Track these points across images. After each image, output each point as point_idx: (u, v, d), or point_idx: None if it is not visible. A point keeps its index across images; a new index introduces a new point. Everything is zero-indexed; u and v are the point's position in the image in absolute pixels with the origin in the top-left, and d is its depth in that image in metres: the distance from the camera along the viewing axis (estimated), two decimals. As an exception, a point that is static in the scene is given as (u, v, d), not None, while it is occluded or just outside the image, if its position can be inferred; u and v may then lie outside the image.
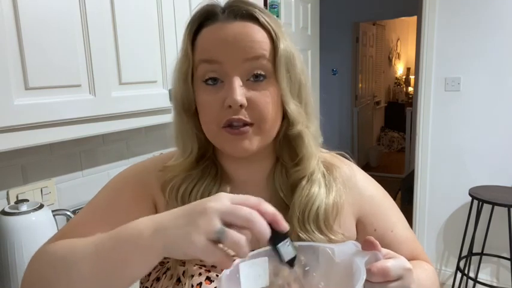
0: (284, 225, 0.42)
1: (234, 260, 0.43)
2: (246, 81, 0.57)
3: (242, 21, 0.57)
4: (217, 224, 0.40)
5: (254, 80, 0.57)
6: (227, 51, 0.56)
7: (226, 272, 0.44)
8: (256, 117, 0.57)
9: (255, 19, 0.58)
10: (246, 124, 0.57)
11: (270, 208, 0.42)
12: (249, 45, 0.56)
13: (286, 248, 0.43)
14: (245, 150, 0.58)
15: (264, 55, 0.57)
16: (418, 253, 0.71)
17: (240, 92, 0.55)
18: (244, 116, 0.56)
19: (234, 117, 0.56)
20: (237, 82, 0.56)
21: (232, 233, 0.40)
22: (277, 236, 0.42)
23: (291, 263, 0.44)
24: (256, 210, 0.41)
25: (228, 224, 0.40)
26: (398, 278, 0.46)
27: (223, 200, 0.42)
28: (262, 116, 0.57)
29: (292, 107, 0.60)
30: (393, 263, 0.46)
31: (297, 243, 0.49)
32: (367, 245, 0.47)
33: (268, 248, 0.48)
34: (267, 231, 0.41)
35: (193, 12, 0.61)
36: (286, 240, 0.43)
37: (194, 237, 0.40)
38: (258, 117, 0.57)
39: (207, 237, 0.40)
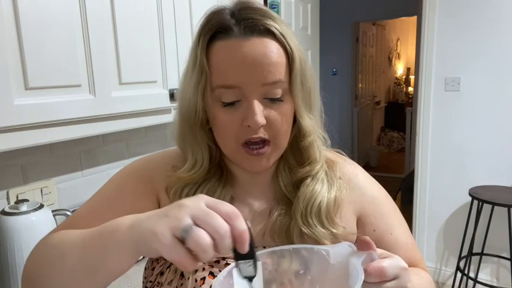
0: (245, 248, 0.40)
1: (199, 265, 0.42)
2: (262, 99, 0.58)
3: (259, 37, 0.56)
4: (186, 221, 0.39)
5: (271, 99, 0.58)
6: (246, 76, 0.56)
7: (219, 277, 0.44)
8: (272, 135, 0.59)
9: (271, 34, 0.57)
10: (263, 140, 0.58)
11: (241, 225, 0.40)
12: (268, 69, 0.56)
13: (247, 268, 0.42)
14: (263, 168, 0.61)
15: (281, 80, 0.57)
16: (416, 260, 0.70)
17: (260, 114, 0.56)
18: (262, 134, 0.58)
19: (254, 136, 0.57)
20: (257, 104, 0.56)
21: (199, 233, 0.38)
22: (241, 253, 0.41)
23: (249, 279, 0.43)
24: (227, 221, 0.40)
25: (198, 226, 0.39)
26: (395, 278, 0.46)
27: (199, 202, 0.41)
28: (278, 132, 0.59)
29: (307, 121, 0.62)
30: (389, 262, 0.46)
31: (291, 246, 0.49)
32: (362, 245, 0.47)
33: (261, 252, 0.48)
34: (227, 249, 0.39)
35: (204, 19, 0.59)
36: (248, 261, 0.42)
37: (159, 229, 0.39)
38: (274, 135, 0.59)
39: (172, 231, 0.38)
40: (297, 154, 0.65)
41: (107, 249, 0.45)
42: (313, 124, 0.63)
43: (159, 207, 0.65)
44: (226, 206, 0.41)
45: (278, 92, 0.58)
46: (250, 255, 0.41)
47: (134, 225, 0.43)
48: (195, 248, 0.38)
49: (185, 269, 0.41)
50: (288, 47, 0.58)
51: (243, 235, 0.40)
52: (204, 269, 0.59)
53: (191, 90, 0.59)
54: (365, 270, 0.45)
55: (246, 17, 0.57)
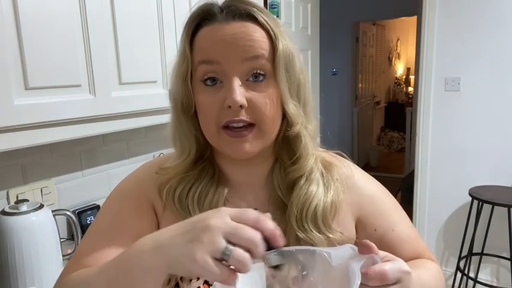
0: (280, 242, 0.42)
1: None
2: (245, 81, 0.57)
3: (241, 21, 0.57)
4: (223, 243, 0.40)
5: (253, 80, 0.57)
6: (226, 51, 0.56)
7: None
8: (256, 118, 0.57)
9: (253, 19, 0.57)
10: (246, 125, 0.57)
11: (269, 225, 0.42)
12: (248, 44, 0.55)
13: (274, 257, 0.44)
14: (245, 152, 0.58)
15: (263, 55, 0.56)
16: (421, 251, 0.70)
17: (239, 92, 0.55)
18: (245, 116, 0.56)
19: (234, 118, 0.56)
20: (237, 82, 0.55)
21: (238, 252, 0.40)
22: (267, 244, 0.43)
23: (276, 267, 0.45)
24: (256, 226, 0.41)
25: (231, 243, 0.41)
26: (397, 282, 0.46)
27: (225, 218, 0.42)
28: (262, 116, 0.57)
29: (291, 108, 0.59)
30: (391, 266, 0.45)
31: (294, 248, 0.49)
32: (363, 249, 0.46)
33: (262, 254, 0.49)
34: (263, 252, 0.42)
35: (191, 12, 0.60)
36: (276, 251, 0.43)
37: (198, 256, 0.40)
38: (258, 118, 0.57)
39: (211, 255, 0.40)
40: (288, 149, 0.64)
41: (135, 277, 0.44)
42: (300, 112, 0.61)
43: (155, 213, 0.64)
44: (251, 214, 0.42)
45: (260, 67, 0.56)
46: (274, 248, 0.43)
47: (159, 247, 0.43)
48: (237, 266, 0.40)
49: (228, 284, 0.42)
50: (271, 31, 0.57)
51: (275, 234, 0.42)
52: (198, 278, 0.58)
53: (178, 80, 0.60)
54: (366, 274, 0.44)
55: (230, 5, 0.58)
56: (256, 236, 0.41)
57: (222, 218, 0.41)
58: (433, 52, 2.47)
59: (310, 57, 2.67)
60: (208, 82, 0.57)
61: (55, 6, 0.98)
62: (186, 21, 0.60)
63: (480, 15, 2.31)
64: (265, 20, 0.58)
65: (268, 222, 0.42)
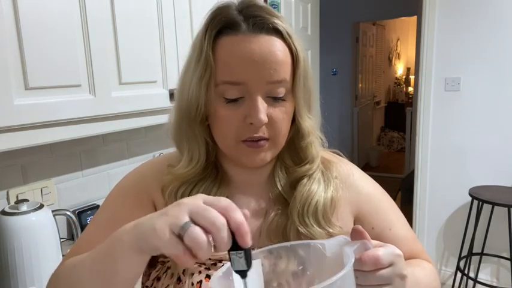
0: (246, 241, 0.40)
1: (196, 263, 0.42)
2: (265, 97, 0.58)
3: (267, 34, 0.56)
4: (184, 219, 0.39)
5: (273, 98, 0.58)
6: (252, 72, 0.56)
7: (218, 273, 0.44)
8: (272, 133, 0.59)
9: (279, 33, 0.57)
10: (263, 139, 0.58)
11: (238, 217, 0.40)
12: (274, 67, 0.56)
13: (238, 259, 0.41)
14: (260, 161, 0.60)
15: (286, 79, 0.58)
16: (418, 252, 0.71)
17: (263, 112, 0.56)
18: (263, 132, 0.58)
19: (255, 135, 0.57)
20: (260, 101, 0.56)
21: (194, 230, 0.38)
22: (236, 244, 0.40)
23: (241, 274, 0.41)
24: (224, 214, 0.40)
25: (196, 224, 0.39)
26: (390, 265, 0.46)
27: (197, 199, 0.42)
28: (278, 131, 0.59)
29: (307, 122, 0.62)
30: (383, 250, 0.46)
31: (289, 243, 0.49)
32: (355, 234, 0.47)
33: (259, 250, 0.48)
34: (225, 243, 0.39)
35: (211, 14, 0.59)
36: (240, 252, 0.40)
37: (157, 226, 0.40)
38: (274, 133, 0.59)
39: (170, 228, 0.39)
40: (293, 154, 0.66)
41: (114, 253, 0.45)
42: (312, 124, 0.63)
43: (155, 209, 0.65)
44: (224, 201, 0.41)
45: (281, 91, 0.58)
46: (243, 249, 0.41)
47: (137, 225, 0.44)
48: (191, 245, 0.38)
49: (184, 265, 0.42)
50: (293, 46, 0.58)
51: (241, 227, 0.39)
52: (200, 272, 0.59)
53: (194, 85, 0.58)
54: (360, 259, 0.45)
55: (254, 15, 0.57)
56: (220, 220, 0.39)
57: (194, 199, 0.42)
58: (433, 52, 2.47)
59: (310, 57, 2.67)
60: (231, 100, 0.57)
61: (55, 6, 0.98)
62: (205, 23, 0.59)
63: (480, 15, 2.31)
64: (287, 33, 0.57)
65: (238, 214, 0.40)
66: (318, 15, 2.79)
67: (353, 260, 0.42)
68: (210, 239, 0.39)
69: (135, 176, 0.70)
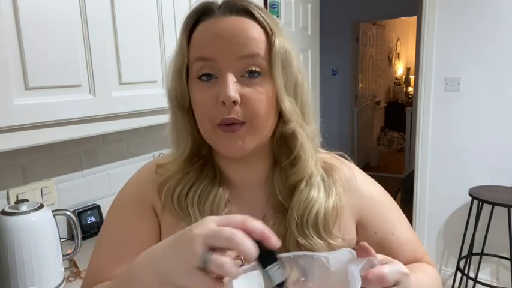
0: (274, 242, 0.40)
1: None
2: (240, 77, 0.56)
3: (238, 16, 0.57)
4: (200, 251, 0.39)
5: (249, 76, 0.56)
6: (222, 48, 0.55)
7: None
8: (249, 115, 0.56)
9: (251, 15, 0.57)
10: (237, 123, 0.56)
11: (257, 225, 0.40)
12: (244, 41, 0.55)
13: (275, 272, 0.41)
14: (238, 149, 0.57)
15: (259, 53, 0.56)
16: (420, 255, 0.70)
17: (233, 88, 0.54)
18: (236, 114, 0.55)
19: (227, 117, 0.55)
20: (231, 78, 0.55)
21: (215, 258, 0.38)
22: (266, 255, 0.40)
23: (280, 286, 0.41)
24: (242, 228, 0.40)
25: (214, 249, 0.39)
26: (395, 284, 0.46)
27: (208, 224, 0.41)
28: (254, 112, 0.56)
29: (287, 104, 0.58)
30: (389, 268, 0.46)
31: (291, 254, 0.48)
32: (361, 252, 0.46)
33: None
34: (252, 251, 0.39)
35: (190, 9, 0.61)
36: (275, 264, 0.41)
37: (181, 268, 0.40)
38: (251, 114, 0.56)
39: (193, 266, 0.39)
40: (287, 149, 0.63)
41: None
42: (295, 110, 0.60)
43: (156, 214, 0.65)
44: (238, 217, 0.41)
45: (255, 65, 0.56)
46: (273, 257, 0.41)
47: (152, 261, 0.44)
48: (219, 271, 0.39)
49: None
50: (268, 28, 0.57)
51: (264, 232, 0.40)
52: None
53: (174, 75, 0.61)
54: (365, 277, 0.44)
55: (229, 1, 0.58)
56: (237, 234, 0.39)
57: (205, 226, 0.41)
58: (433, 52, 2.47)
59: (310, 57, 2.67)
60: (204, 78, 0.57)
61: (55, 7, 0.98)
62: (185, 17, 0.60)
63: (480, 15, 2.31)
64: (262, 16, 0.58)
65: (256, 223, 0.40)
66: (318, 15, 2.79)
67: (359, 285, 0.42)
68: (234, 255, 0.39)
69: (133, 184, 0.69)
